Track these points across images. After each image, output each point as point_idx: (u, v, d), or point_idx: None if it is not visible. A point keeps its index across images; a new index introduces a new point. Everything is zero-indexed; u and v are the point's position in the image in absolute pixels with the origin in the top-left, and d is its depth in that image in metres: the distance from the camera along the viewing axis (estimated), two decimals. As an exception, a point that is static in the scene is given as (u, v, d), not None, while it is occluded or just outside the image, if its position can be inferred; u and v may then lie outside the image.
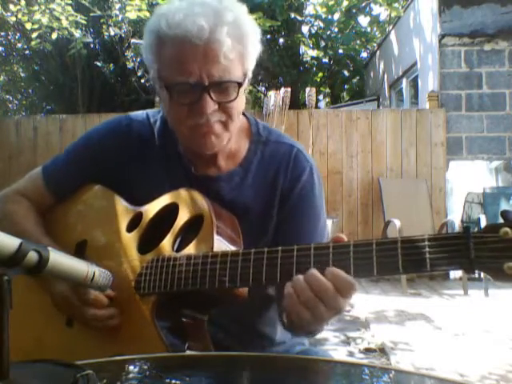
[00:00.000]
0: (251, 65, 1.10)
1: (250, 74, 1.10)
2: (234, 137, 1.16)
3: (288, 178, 1.17)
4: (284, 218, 1.16)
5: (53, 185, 1.24)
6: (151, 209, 1.11)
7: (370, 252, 0.83)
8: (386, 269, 0.82)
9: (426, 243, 0.80)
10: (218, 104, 1.04)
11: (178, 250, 1.04)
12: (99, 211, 1.20)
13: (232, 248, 1.03)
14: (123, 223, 1.13)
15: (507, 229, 0.74)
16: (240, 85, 1.05)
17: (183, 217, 1.06)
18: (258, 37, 1.10)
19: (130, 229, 1.12)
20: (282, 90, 6.30)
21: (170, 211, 1.08)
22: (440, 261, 0.79)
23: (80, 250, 1.14)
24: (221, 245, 1.01)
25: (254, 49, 1.09)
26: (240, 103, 1.09)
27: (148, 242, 1.08)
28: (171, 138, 1.19)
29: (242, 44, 1.05)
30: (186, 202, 1.08)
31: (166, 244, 1.05)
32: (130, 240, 1.10)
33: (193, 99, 1.03)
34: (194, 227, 1.04)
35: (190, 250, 1.01)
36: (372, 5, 12.08)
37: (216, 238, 1.01)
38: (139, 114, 1.25)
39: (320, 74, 13.50)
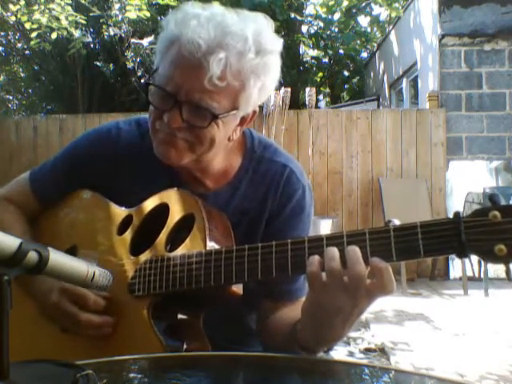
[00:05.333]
0: (247, 105, 1.03)
1: (243, 113, 1.05)
2: (224, 155, 1.13)
3: (277, 201, 1.15)
4: (268, 235, 1.13)
5: (39, 191, 1.24)
6: (141, 210, 1.11)
7: (364, 241, 0.83)
8: (379, 257, 0.82)
9: (419, 230, 0.81)
10: (187, 123, 1.00)
11: (170, 250, 1.03)
12: (88, 215, 1.19)
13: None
14: (114, 226, 1.13)
15: (496, 212, 0.76)
16: (215, 117, 0.99)
17: (174, 217, 1.06)
18: (269, 82, 1.03)
19: (120, 231, 1.11)
20: (282, 89, 6.29)
21: (161, 212, 1.07)
22: (433, 246, 0.80)
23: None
24: (212, 245, 1.01)
25: (257, 92, 1.02)
26: (219, 134, 1.03)
27: (140, 244, 1.07)
28: None
29: (239, 81, 0.98)
30: (176, 202, 1.07)
31: (159, 244, 1.04)
32: (121, 242, 1.10)
33: (164, 107, 1.01)
34: (185, 226, 1.04)
35: (183, 249, 1.01)
36: (372, 5, 12.07)
37: (208, 238, 1.00)
38: (130, 121, 1.22)
39: (320, 74, 13.50)
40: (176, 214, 1.06)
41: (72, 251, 1.15)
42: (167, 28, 1.02)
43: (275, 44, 1.02)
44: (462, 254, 0.79)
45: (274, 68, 1.03)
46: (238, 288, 0.99)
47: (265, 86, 1.03)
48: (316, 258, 0.83)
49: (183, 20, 0.99)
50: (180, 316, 1.07)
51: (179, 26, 0.99)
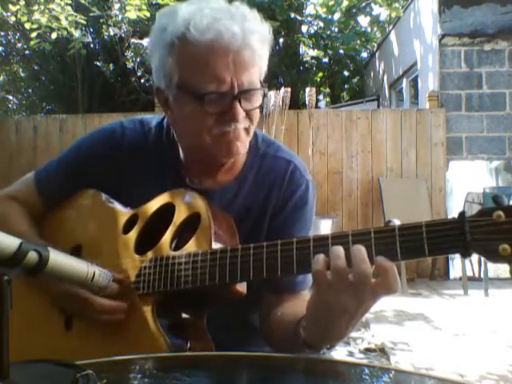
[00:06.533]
0: (265, 68, 1.09)
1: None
2: None
3: (281, 196, 1.16)
4: (271, 230, 1.16)
5: (44, 191, 1.24)
6: (147, 210, 1.11)
7: (369, 241, 0.83)
8: (384, 256, 0.82)
9: (424, 229, 0.81)
10: (246, 111, 1.04)
11: (175, 249, 1.04)
12: (93, 215, 1.19)
13: None
14: (119, 225, 1.13)
15: (500, 212, 0.77)
16: (263, 90, 1.05)
17: (180, 216, 1.06)
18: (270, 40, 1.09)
19: (126, 230, 1.11)
20: (282, 89, 6.29)
21: (166, 211, 1.08)
22: (437, 246, 0.80)
23: (75, 255, 1.13)
24: (217, 245, 1.01)
25: (268, 53, 1.08)
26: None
27: (145, 243, 1.08)
28: (167, 148, 1.18)
29: (263, 52, 1.05)
30: (182, 202, 1.07)
31: (164, 243, 1.05)
32: (126, 241, 1.10)
33: (223, 108, 1.02)
34: (190, 226, 1.04)
35: (188, 248, 1.01)
36: (372, 5, 12.07)
37: (213, 237, 1.01)
38: (134, 121, 1.23)
39: (320, 74, 13.50)
40: (181, 213, 1.06)
41: (77, 250, 1.16)
42: (184, 31, 1.00)
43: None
44: (466, 254, 0.79)
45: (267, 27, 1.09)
46: (241, 287, 0.99)
47: (269, 45, 1.09)
48: (321, 256, 0.84)
49: (196, 20, 0.98)
50: (184, 315, 1.08)
51: (196, 27, 0.98)
